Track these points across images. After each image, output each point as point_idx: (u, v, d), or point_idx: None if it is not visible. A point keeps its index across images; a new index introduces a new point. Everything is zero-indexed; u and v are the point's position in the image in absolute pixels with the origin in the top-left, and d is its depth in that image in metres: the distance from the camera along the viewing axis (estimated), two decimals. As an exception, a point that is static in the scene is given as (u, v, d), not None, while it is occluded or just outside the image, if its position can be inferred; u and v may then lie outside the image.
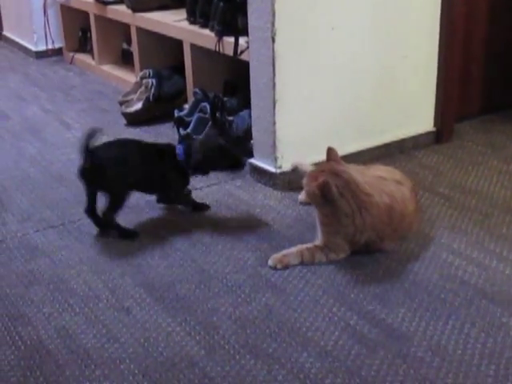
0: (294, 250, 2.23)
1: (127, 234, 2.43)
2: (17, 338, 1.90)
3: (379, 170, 2.40)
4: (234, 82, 3.47)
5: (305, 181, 2.20)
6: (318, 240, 2.24)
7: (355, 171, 2.22)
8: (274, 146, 2.70)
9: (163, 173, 2.45)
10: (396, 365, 1.73)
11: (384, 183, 2.26)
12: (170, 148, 2.49)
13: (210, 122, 2.98)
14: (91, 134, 2.29)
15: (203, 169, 2.48)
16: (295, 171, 2.59)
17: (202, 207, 2.60)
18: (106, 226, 2.44)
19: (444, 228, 2.41)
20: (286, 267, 2.19)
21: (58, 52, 5.23)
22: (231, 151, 2.47)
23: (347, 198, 2.10)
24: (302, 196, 2.60)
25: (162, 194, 2.58)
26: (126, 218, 2.49)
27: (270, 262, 2.20)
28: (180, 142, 2.54)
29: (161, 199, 2.61)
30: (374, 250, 2.24)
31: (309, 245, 2.24)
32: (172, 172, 2.46)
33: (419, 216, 2.38)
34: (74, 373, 1.75)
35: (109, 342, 1.86)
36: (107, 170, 2.34)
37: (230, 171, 2.61)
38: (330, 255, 2.21)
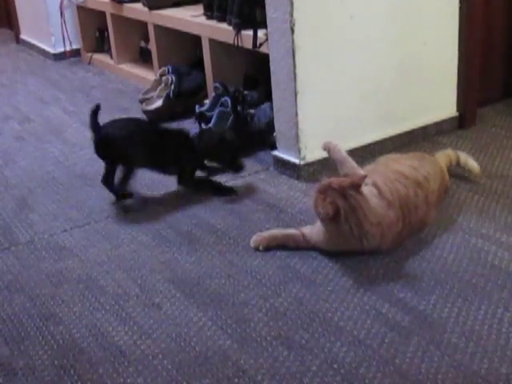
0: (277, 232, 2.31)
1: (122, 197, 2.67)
2: (49, 337, 1.91)
3: (409, 160, 2.36)
4: (253, 75, 3.46)
5: (314, 195, 2.10)
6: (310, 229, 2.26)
7: (379, 173, 2.22)
8: (296, 137, 2.69)
9: (173, 152, 2.66)
10: (430, 352, 1.72)
11: (398, 185, 2.18)
12: (181, 131, 2.78)
13: (232, 116, 2.98)
14: (96, 110, 2.59)
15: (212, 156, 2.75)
16: (327, 152, 2.39)
17: (230, 191, 2.69)
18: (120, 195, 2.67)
19: (472, 213, 2.39)
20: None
21: (76, 53, 5.25)
22: (237, 152, 2.72)
23: (350, 225, 2.03)
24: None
25: (173, 174, 2.72)
26: (151, 212, 2.51)
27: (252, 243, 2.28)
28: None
29: (178, 181, 2.73)
30: None
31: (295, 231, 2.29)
32: (183, 152, 2.67)
33: (432, 213, 2.30)
34: (108, 370, 1.76)
35: (141, 338, 1.87)
36: (116, 143, 2.57)
37: (229, 170, 2.77)
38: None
